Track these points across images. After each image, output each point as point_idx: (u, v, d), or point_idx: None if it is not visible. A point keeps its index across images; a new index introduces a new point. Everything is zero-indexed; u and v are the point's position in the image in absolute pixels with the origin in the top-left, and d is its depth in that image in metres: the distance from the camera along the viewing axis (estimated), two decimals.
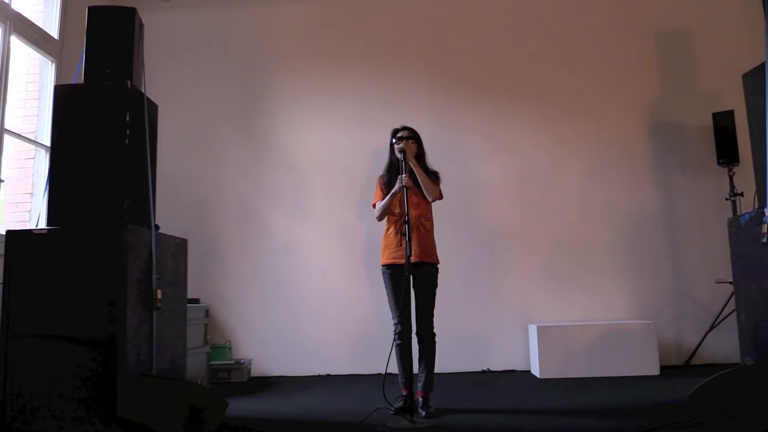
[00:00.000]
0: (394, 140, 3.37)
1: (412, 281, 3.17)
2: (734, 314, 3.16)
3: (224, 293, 4.78)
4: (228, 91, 5.02)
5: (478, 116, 4.87)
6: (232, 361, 4.47)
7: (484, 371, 4.57)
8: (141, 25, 2.88)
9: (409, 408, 2.88)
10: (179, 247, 3.01)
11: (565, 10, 4.94)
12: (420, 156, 3.36)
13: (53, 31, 4.37)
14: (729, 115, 4.39)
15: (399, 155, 3.24)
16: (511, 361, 4.59)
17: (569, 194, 4.77)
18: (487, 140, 4.85)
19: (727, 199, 4.42)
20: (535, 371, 4.30)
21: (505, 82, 4.90)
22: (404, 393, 3.11)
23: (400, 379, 3.22)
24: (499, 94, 4.89)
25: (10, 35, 3.81)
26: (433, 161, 3.46)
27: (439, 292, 3.27)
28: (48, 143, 3.42)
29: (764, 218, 2.54)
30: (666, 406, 3.09)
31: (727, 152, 4.40)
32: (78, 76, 2.95)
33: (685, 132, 4.77)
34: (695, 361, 4.46)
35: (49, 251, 2.51)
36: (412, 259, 2.99)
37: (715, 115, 4.48)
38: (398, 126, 3.43)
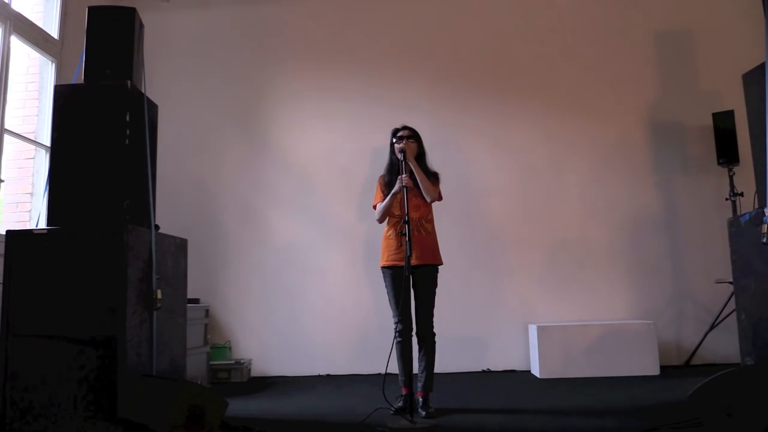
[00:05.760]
0: (394, 140, 3.37)
1: (412, 281, 3.17)
2: (734, 314, 3.16)
3: (224, 293, 4.78)
4: (228, 91, 5.02)
5: (478, 116, 4.87)
6: (232, 361, 4.46)
7: (484, 371, 4.57)
8: (141, 25, 2.88)
9: (409, 408, 2.88)
10: (179, 247, 3.01)
11: (565, 10, 4.94)
12: (420, 156, 3.35)
13: (53, 31, 4.37)
14: (729, 115, 4.39)
15: (399, 155, 3.24)
16: (511, 361, 4.59)
17: (569, 194, 4.77)
18: (488, 140, 4.85)
19: (727, 199, 4.42)
20: (535, 371, 4.30)
21: (505, 82, 4.90)
22: (404, 392, 3.11)
23: (399, 377, 3.22)
24: (500, 95, 4.89)
25: (10, 35, 3.81)
26: (433, 161, 3.45)
27: (439, 292, 3.27)
28: (48, 143, 3.42)
29: (764, 218, 2.54)
30: (666, 406, 3.09)
31: (727, 152, 4.40)
32: (78, 76, 2.95)
33: (685, 132, 4.77)
34: (695, 361, 4.46)
35: (49, 251, 2.51)
36: (413, 261, 2.99)
37: (715, 115, 4.48)
38: (398, 125, 3.43)
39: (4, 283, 2.51)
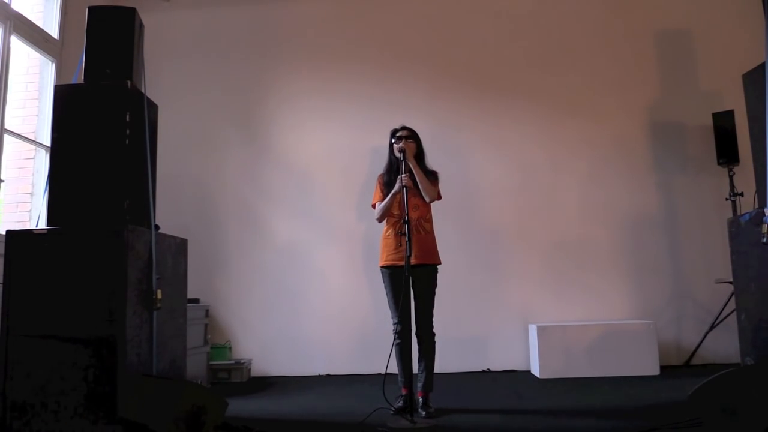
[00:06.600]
0: (393, 140, 3.37)
1: (411, 282, 3.16)
2: (734, 314, 3.16)
3: (224, 293, 4.78)
4: (228, 91, 5.02)
5: (478, 116, 4.87)
6: (232, 361, 4.46)
7: (484, 371, 4.57)
8: (141, 25, 2.88)
9: (409, 408, 2.88)
10: (179, 247, 3.01)
11: (565, 10, 4.94)
12: (419, 156, 3.35)
13: (53, 31, 4.37)
14: (729, 115, 4.39)
15: (398, 155, 3.24)
16: (511, 361, 4.59)
17: (569, 194, 4.77)
18: (487, 140, 4.85)
19: (727, 199, 4.42)
20: (535, 371, 4.30)
21: (505, 82, 4.90)
22: (404, 392, 3.11)
23: (399, 379, 3.22)
24: (499, 94, 4.89)
25: (10, 35, 3.81)
26: (433, 161, 3.46)
27: (440, 292, 3.27)
28: (48, 143, 3.43)
29: (764, 218, 2.54)
30: (666, 406, 3.09)
31: (727, 152, 4.40)
32: (78, 76, 2.95)
33: (685, 132, 4.77)
34: (695, 361, 4.46)
35: (49, 251, 2.51)
36: (412, 261, 2.98)
37: (715, 115, 4.48)
38: (397, 126, 3.43)
39: (4, 283, 2.51)
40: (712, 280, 4.44)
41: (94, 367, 2.41)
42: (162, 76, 4.65)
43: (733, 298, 3.26)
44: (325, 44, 5.03)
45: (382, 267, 3.31)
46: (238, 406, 3.32)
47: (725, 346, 4.36)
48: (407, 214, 3.01)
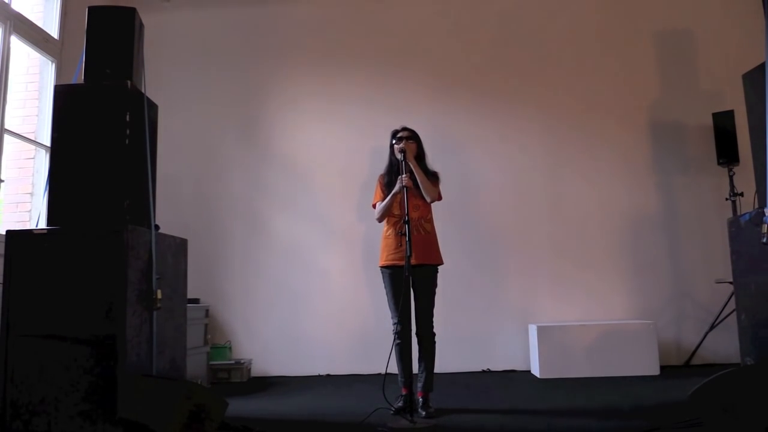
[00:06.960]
0: (393, 141, 3.38)
1: (411, 282, 3.16)
2: (734, 314, 3.16)
3: (224, 293, 4.78)
4: (228, 91, 5.02)
5: (478, 117, 4.87)
6: (232, 361, 4.46)
7: (484, 371, 4.57)
8: (141, 25, 2.87)
9: (409, 408, 2.88)
10: (179, 246, 3.01)
11: (565, 10, 4.94)
12: (420, 156, 3.36)
13: (53, 31, 4.37)
14: (729, 115, 4.39)
15: (399, 155, 3.24)
16: (511, 361, 4.59)
17: (569, 194, 4.77)
18: (488, 141, 4.85)
19: (727, 199, 4.42)
20: (535, 371, 4.30)
21: (505, 82, 4.90)
22: (404, 392, 3.11)
23: (399, 379, 3.22)
24: (499, 95, 4.89)
25: (10, 35, 3.81)
26: (433, 162, 3.46)
27: (440, 292, 3.27)
28: (48, 143, 3.42)
29: (764, 218, 2.54)
30: (666, 406, 3.09)
31: (727, 152, 4.40)
32: (78, 76, 2.95)
33: (685, 132, 4.77)
34: (695, 361, 4.46)
35: (49, 251, 2.51)
36: (412, 261, 2.98)
37: (715, 115, 4.48)
38: (398, 127, 3.44)
39: (4, 283, 2.51)
40: (712, 280, 4.44)
41: (94, 367, 2.41)
42: (162, 76, 4.64)
43: (733, 298, 3.26)
44: (326, 45, 5.03)
45: (382, 267, 3.31)
46: (238, 406, 3.32)
47: (725, 346, 4.36)
48: (407, 214, 3.01)
